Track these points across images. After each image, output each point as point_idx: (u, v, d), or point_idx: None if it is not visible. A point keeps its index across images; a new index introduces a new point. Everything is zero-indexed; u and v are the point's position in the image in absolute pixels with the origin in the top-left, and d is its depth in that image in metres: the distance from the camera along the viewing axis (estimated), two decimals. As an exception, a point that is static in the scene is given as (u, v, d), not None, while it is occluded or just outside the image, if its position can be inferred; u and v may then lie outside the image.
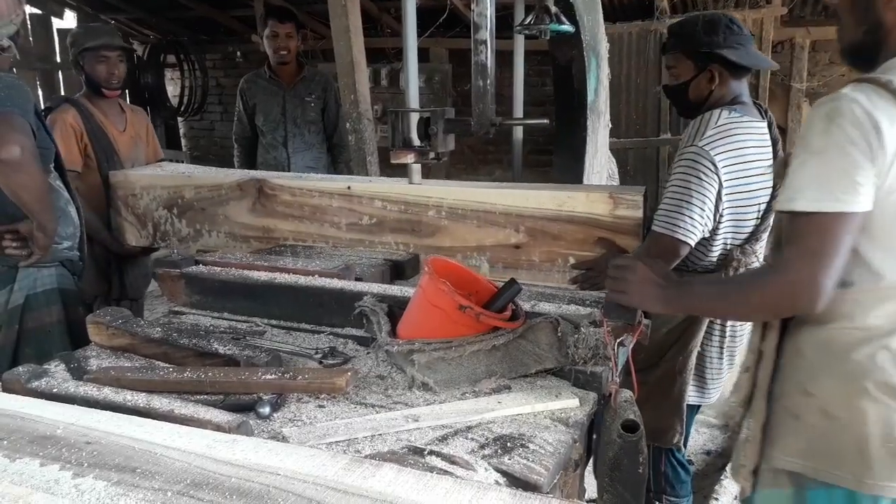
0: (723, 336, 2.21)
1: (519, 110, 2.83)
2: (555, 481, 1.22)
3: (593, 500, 1.61)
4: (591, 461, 1.55)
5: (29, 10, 7.06)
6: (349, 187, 2.44)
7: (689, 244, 2.02)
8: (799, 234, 1.29)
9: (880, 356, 1.31)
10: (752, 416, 1.46)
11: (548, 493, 1.15)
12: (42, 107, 2.64)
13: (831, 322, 1.36)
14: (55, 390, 1.33)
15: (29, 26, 7.21)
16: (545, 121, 2.43)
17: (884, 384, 1.31)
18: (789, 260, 1.30)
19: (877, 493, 1.33)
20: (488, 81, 2.16)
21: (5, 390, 1.36)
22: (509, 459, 1.18)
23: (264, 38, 3.87)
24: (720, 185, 2.02)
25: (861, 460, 1.33)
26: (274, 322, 1.83)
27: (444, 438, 1.25)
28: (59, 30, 7.62)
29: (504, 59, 2.88)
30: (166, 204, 2.77)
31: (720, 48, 2.12)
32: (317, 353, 1.63)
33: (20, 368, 1.41)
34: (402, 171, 2.42)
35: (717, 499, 2.51)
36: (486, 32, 2.11)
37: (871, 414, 1.32)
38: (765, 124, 2.19)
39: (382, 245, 2.42)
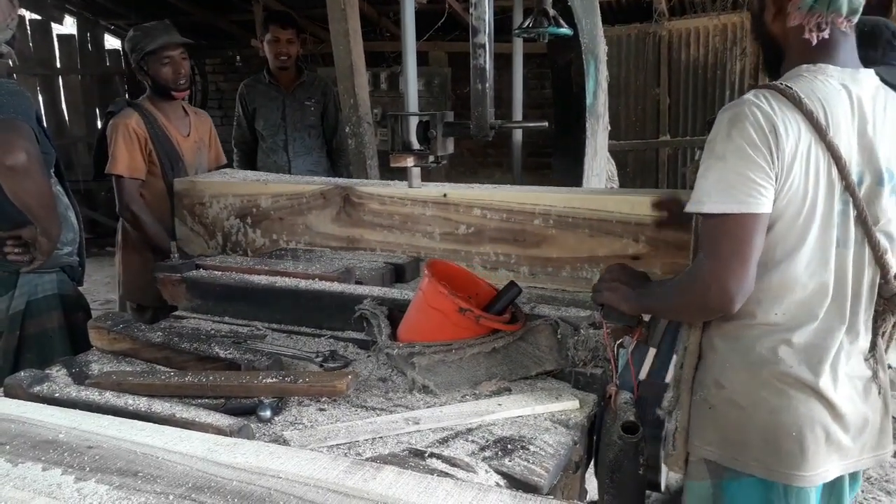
0: None
1: (518, 113, 2.84)
2: (555, 483, 1.22)
3: (594, 502, 1.62)
4: (591, 463, 1.55)
5: (28, 15, 7.07)
6: (445, 195, 2.31)
7: None
8: (708, 238, 1.35)
9: (781, 350, 1.38)
10: (680, 407, 1.52)
11: (548, 494, 1.15)
12: (38, 114, 2.50)
13: (739, 318, 1.41)
14: (57, 395, 1.33)
15: (29, 32, 7.23)
16: (544, 123, 2.42)
17: (785, 375, 1.38)
18: (699, 263, 1.37)
19: (784, 481, 1.38)
20: (487, 85, 2.16)
21: (7, 395, 1.36)
22: (510, 461, 1.18)
23: (265, 43, 3.88)
24: None
25: (767, 448, 1.39)
26: (275, 326, 1.84)
27: (444, 441, 1.25)
28: (58, 35, 7.65)
29: (503, 62, 2.89)
30: (239, 213, 2.61)
31: (876, 65, 1.69)
32: (317, 356, 1.63)
33: (22, 373, 1.42)
34: (401, 174, 2.43)
35: (718, 500, 2.50)
36: (485, 36, 2.11)
37: (773, 403, 1.38)
38: None
39: (480, 256, 2.28)
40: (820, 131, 1.32)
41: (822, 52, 1.39)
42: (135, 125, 2.70)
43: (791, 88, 1.33)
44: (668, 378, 1.62)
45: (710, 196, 1.33)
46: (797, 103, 1.32)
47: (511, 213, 2.23)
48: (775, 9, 1.41)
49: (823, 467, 1.39)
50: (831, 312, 1.39)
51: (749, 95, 1.36)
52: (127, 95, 8.10)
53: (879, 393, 1.44)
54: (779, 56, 1.46)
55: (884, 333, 1.45)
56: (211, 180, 2.75)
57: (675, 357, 1.58)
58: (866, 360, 1.43)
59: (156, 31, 2.81)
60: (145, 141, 2.72)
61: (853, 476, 1.51)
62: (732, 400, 1.43)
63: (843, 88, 1.36)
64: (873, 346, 1.43)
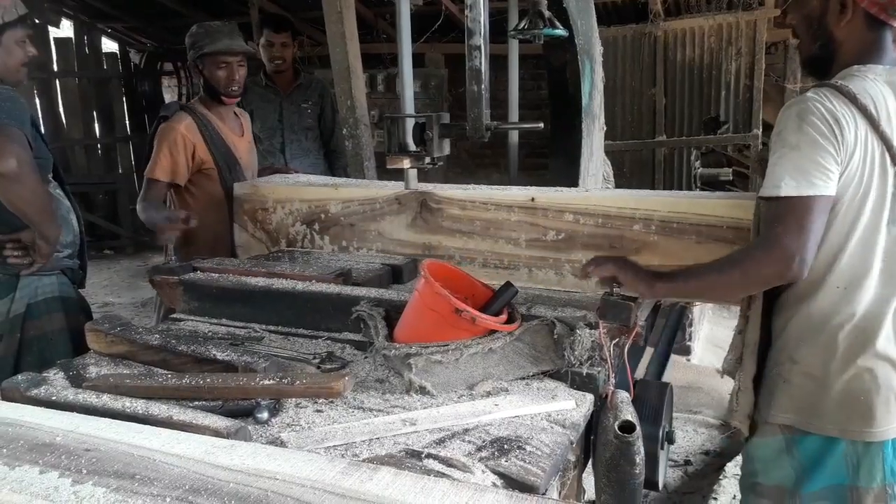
0: None
1: (514, 114, 2.84)
2: (552, 483, 1.23)
3: (591, 502, 1.62)
4: (588, 462, 1.56)
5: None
6: (533, 199, 2.18)
7: None
8: (783, 216, 1.52)
9: (846, 326, 1.58)
10: (743, 370, 1.74)
11: (544, 494, 1.16)
12: (33, 119, 2.44)
13: (807, 300, 1.62)
14: (54, 398, 1.33)
15: (29, 39, 7.22)
16: (540, 124, 2.43)
17: (852, 346, 1.58)
18: (777, 236, 1.52)
19: (856, 437, 1.60)
20: (483, 86, 2.17)
21: (5, 398, 1.36)
22: (506, 461, 1.18)
23: (260, 47, 3.88)
24: None
25: (841, 413, 1.60)
26: (272, 328, 1.84)
27: (441, 441, 1.25)
28: (55, 38, 7.64)
29: (499, 63, 2.90)
30: (306, 219, 2.50)
31: None
32: (314, 357, 1.64)
33: (19, 377, 1.42)
34: (398, 175, 2.43)
35: (715, 499, 2.51)
36: (480, 38, 2.12)
37: (844, 373, 1.58)
38: None
39: (571, 263, 2.15)
40: (873, 123, 1.51)
41: (872, 53, 1.58)
42: (184, 130, 2.61)
43: (847, 86, 1.53)
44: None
45: (785, 181, 1.51)
46: (852, 99, 1.51)
47: (607, 217, 2.10)
48: (839, 6, 1.57)
49: (892, 424, 1.58)
50: (883, 284, 1.57)
51: (810, 93, 1.55)
52: (124, 99, 8.13)
53: None
54: (830, 58, 1.63)
55: None
56: (275, 184, 2.62)
57: (735, 324, 1.79)
58: None
59: (219, 33, 2.70)
60: (194, 147, 2.63)
61: None
62: (806, 372, 1.63)
63: (889, 85, 1.55)
64: None
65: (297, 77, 3.92)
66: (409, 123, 2.22)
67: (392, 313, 1.67)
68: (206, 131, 2.66)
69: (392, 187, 2.43)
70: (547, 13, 2.44)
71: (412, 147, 2.23)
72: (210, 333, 1.82)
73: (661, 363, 2.91)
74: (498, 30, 2.67)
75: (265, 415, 1.33)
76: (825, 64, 1.65)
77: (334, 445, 1.24)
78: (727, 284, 1.65)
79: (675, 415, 2.22)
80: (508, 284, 1.59)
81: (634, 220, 2.07)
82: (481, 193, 2.29)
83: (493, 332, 1.52)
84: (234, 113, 2.87)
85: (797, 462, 1.68)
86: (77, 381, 1.51)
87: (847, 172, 1.52)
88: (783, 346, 1.68)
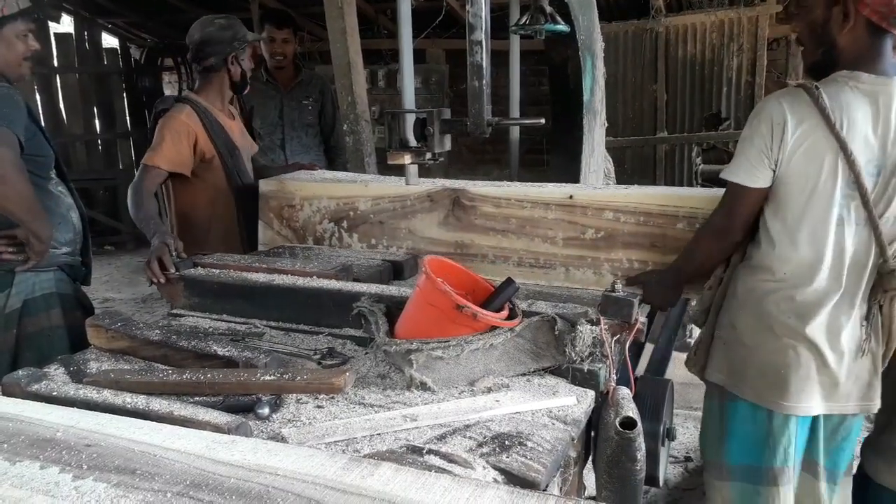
0: None
1: (515, 110, 2.84)
2: (553, 479, 1.23)
3: (593, 497, 1.62)
4: (589, 458, 1.56)
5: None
6: (571, 196, 2.14)
7: None
8: (723, 196, 1.84)
9: (783, 304, 1.74)
10: (706, 326, 1.95)
11: (545, 490, 1.16)
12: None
13: (756, 274, 1.80)
14: (55, 393, 1.33)
15: (31, 34, 7.21)
16: (541, 120, 2.42)
17: (783, 324, 1.74)
18: (714, 213, 1.86)
19: (770, 406, 1.78)
20: (484, 82, 2.16)
21: (5, 394, 1.36)
22: (507, 457, 1.18)
23: (261, 43, 3.87)
24: None
25: (761, 381, 1.78)
26: (272, 323, 1.84)
27: (442, 437, 1.25)
28: (55, 34, 7.63)
29: (500, 59, 2.89)
30: (334, 216, 2.45)
31: None
32: (315, 353, 1.64)
33: (20, 372, 1.42)
34: (399, 171, 2.42)
35: (716, 495, 2.51)
36: (482, 33, 2.11)
37: (770, 345, 1.76)
38: None
39: (610, 263, 2.12)
40: (829, 125, 1.62)
41: (868, 60, 1.66)
42: (186, 119, 2.59)
43: (818, 88, 1.65)
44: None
45: (729, 167, 1.77)
46: (815, 99, 1.63)
47: (649, 216, 2.06)
48: (842, 15, 1.66)
49: (806, 403, 1.74)
50: (828, 278, 1.71)
51: (777, 93, 1.73)
52: (124, 95, 8.11)
53: (865, 354, 1.73)
54: (833, 63, 1.71)
55: (881, 305, 1.72)
56: (303, 181, 2.57)
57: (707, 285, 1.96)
58: (862, 325, 1.72)
59: (243, 26, 2.74)
60: (196, 137, 2.61)
61: (843, 419, 1.82)
62: (740, 340, 1.82)
63: (870, 95, 1.63)
64: (868, 313, 1.72)
65: (298, 73, 3.91)
66: (410, 119, 2.22)
67: (393, 309, 1.67)
68: (206, 120, 2.65)
69: (425, 184, 2.37)
70: (548, 9, 2.44)
71: (413, 143, 2.23)
72: (211, 329, 1.82)
73: (662, 360, 2.91)
74: (499, 25, 2.66)
75: (266, 410, 1.33)
76: (828, 69, 1.72)
77: (335, 441, 1.24)
78: (696, 261, 1.92)
79: (675, 411, 2.22)
80: (510, 280, 1.59)
81: (678, 218, 2.04)
82: (517, 190, 2.23)
83: (494, 328, 1.52)
84: (227, 106, 2.85)
85: (723, 431, 1.88)
86: (78, 376, 1.51)
87: (785, 169, 1.69)
88: (727, 311, 1.87)
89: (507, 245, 2.23)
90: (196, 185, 2.68)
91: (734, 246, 1.84)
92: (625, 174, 5.81)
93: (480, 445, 1.22)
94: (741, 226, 1.80)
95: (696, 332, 2.36)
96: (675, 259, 1.99)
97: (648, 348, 2.96)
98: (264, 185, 2.59)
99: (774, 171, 1.71)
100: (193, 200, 2.66)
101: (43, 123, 2.46)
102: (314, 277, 1.92)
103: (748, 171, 1.73)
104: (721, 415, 1.90)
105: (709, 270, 1.93)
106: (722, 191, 1.87)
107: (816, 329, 1.71)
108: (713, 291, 1.93)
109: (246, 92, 2.80)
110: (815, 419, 1.80)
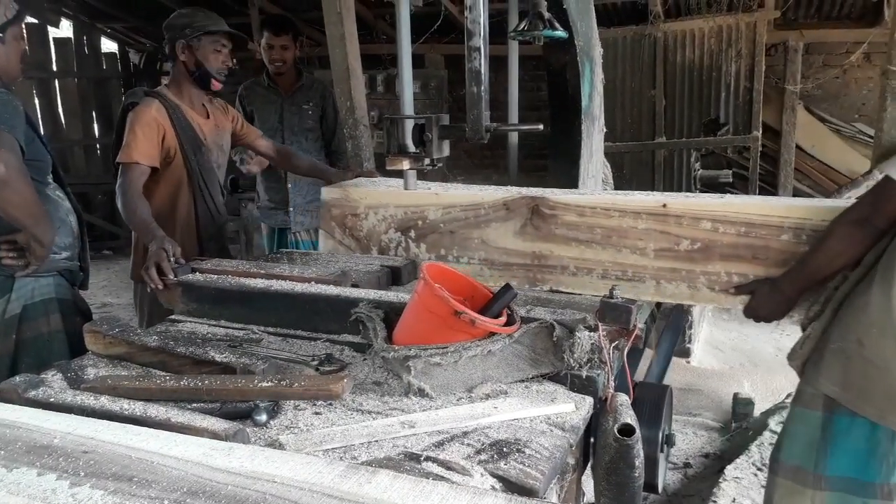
0: None
1: (514, 115, 2.84)
2: (551, 486, 1.22)
3: (591, 504, 1.62)
4: (588, 465, 1.55)
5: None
6: (665, 205, 2.03)
7: None
8: (875, 188, 1.74)
9: None
10: (820, 322, 1.80)
11: (544, 497, 1.16)
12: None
13: (893, 297, 1.66)
14: (52, 400, 1.33)
15: (25, 35, 7.22)
16: (539, 126, 2.42)
17: None
18: (858, 203, 1.77)
19: (893, 427, 1.67)
20: (482, 87, 2.16)
21: (2, 400, 1.35)
22: (505, 464, 1.18)
23: (261, 48, 3.88)
24: None
25: (888, 402, 1.66)
26: (270, 329, 1.83)
27: (440, 444, 1.25)
28: (54, 38, 7.65)
29: (499, 64, 2.90)
30: (401, 226, 2.37)
31: None
32: (313, 359, 1.63)
33: (17, 378, 1.41)
34: (397, 177, 2.42)
35: (715, 501, 2.51)
36: (480, 39, 2.11)
37: None
38: None
39: (707, 276, 2.02)
40: None
41: None
42: (155, 113, 2.57)
43: None
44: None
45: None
46: None
47: (751, 226, 1.96)
48: None
49: None
50: None
51: None
52: (123, 99, 8.12)
53: None
54: None
55: None
56: (368, 189, 2.49)
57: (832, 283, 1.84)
58: None
59: (214, 17, 2.67)
60: (164, 132, 2.58)
61: None
62: (869, 359, 1.69)
63: None
64: None
65: (300, 78, 3.91)
66: (409, 124, 2.22)
67: (391, 315, 1.67)
68: (174, 116, 2.62)
69: (500, 192, 2.30)
70: (547, 14, 2.44)
71: (412, 148, 2.23)
72: (208, 335, 1.81)
73: (660, 365, 2.91)
74: (498, 31, 2.66)
75: (263, 417, 1.33)
76: None
77: (333, 448, 1.23)
78: (824, 247, 1.81)
79: (674, 417, 2.22)
80: (508, 287, 1.59)
81: (783, 229, 1.93)
82: (603, 198, 2.15)
83: (492, 334, 1.52)
84: (203, 104, 2.80)
85: (826, 443, 1.75)
86: (75, 382, 1.50)
87: None
88: (855, 325, 1.71)
89: (590, 256, 2.13)
90: (157, 180, 2.64)
91: (874, 236, 1.72)
92: (623, 179, 5.82)
93: (478, 452, 1.22)
94: (885, 217, 1.70)
95: (698, 339, 2.31)
96: (795, 263, 1.86)
97: (647, 354, 2.95)
98: (327, 193, 2.51)
99: None
100: (151, 195, 2.60)
101: (42, 128, 2.46)
102: (312, 283, 1.92)
103: None
104: (825, 426, 1.78)
105: (839, 267, 1.82)
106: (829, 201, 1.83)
107: None
108: (837, 286, 1.82)
109: (218, 89, 2.72)
110: None
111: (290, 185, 3.84)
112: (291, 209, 3.86)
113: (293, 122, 3.85)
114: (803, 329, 1.88)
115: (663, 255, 2.05)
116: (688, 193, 2.23)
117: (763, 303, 1.93)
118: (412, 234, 2.37)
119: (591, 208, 2.11)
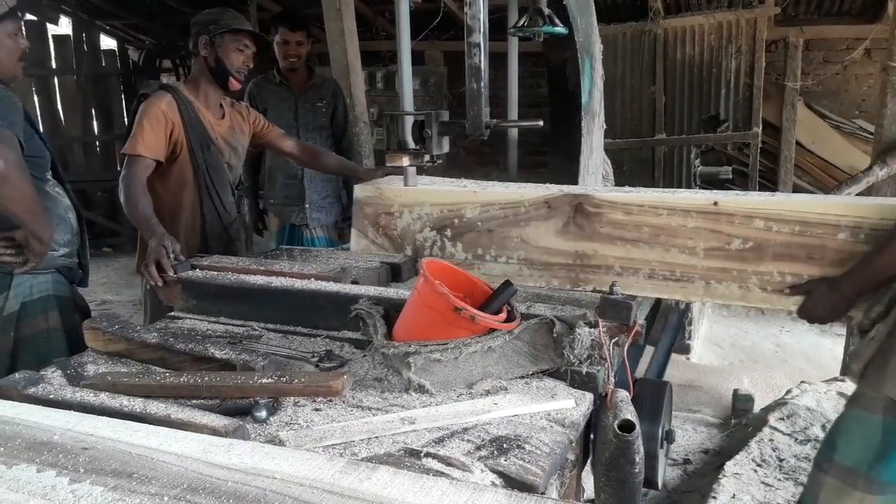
0: None
1: (514, 112, 2.85)
2: (551, 482, 1.22)
3: (591, 500, 1.62)
4: (588, 461, 1.55)
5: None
6: (716, 203, 1.98)
7: None
8: None
9: None
10: (885, 323, 1.73)
11: (544, 493, 1.16)
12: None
13: None
14: (52, 396, 1.33)
15: (24, 32, 7.21)
16: (539, 122, 2.43)
17: None
18: None
19: None
20: (482, 84, 2.16)
21: (2, 397, 1.35)
22: (506, 460, 1.18)
23: (274, 44, 3.84)
24: None
25: None
26: (270, 326, 1.83)
27: (440, 440, 1.25)
28: (53, 36, 7.64)
29: (498, 61, 2.90)
30: (436, 224, 2.31)
31: None
32: (313, 356, 1.63)
33: (17, 375, 1.42)
34: (398, 173, 2.42)
35: (715, 497, 2.51)
36: (480, 35, 2.12)
37: None
38: None
39: (759, 276, 1.96)
40: None
41: None
42: (165, 107, 2.55)
43: None
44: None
45: None
46: None
47: (806, 225, 1.90)
48: None
49: None
50: None
51: None
52: (122, 96, 8.11)
53: None
54: None
55: None
56: (402, 187, 2.42)
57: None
58: None
59: (238, 18, 2.67)
60: (173, 126, 2.57)
61: None
62: None
63: None
64: None
65: (311, 75, 3.88)
66: (409, 121, 2.22)
67: (391, 311, 1.66)
68: (185, 111, 2.60)
69: (541, 190, 2.24)
70: (546, 11, 2.44)
71: (411, 145, 2.23)
72: (208, 332, 1.81)
73: (660, 362, 2.91)
74: (497, 27, 2.66)
75: (263, 413, 1.33)
76: None
77: (333, 444, 1.23)
78: (892, 244, 1.72)
79: (674, 413, 2.22)
80: (508, 283, 1.59)
81: (839, 228, 1.87)
82: (651, 196, 2.10)
83: (492, 330, 1.52)
84: (220, 104, 2.79)
85: (887, 447, 1.71)
86: (75, 379, 1.50)
87: None
88: None
89: (637, 256, 2.07)
90: (162, 175, 2.63)
91: None
92: (623, 176, 5.81)
93: (478, 448, 1.22)
94: None
95: (698, 335, 2.30)
96: (857, 263, 1.80)
97: (647, 350, 2.96)
98: (360, 191, 2.45)
99: None
100: (156, 189, 2.60)
101: (41, 125, 2.46)
102: (312, 280, 1.92)
103: None
104: (885, 430, 1.74)
105: None
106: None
107: None
108: None
109: (236, 89, 2.72)
110: None
111: (305, 182, 3.82)
112: (307, 205, 3.84)
113: (307, 119, 3.81)
114: (863, 331, 1.81)
115: (713, 254, 2.00)
116: (738, 192, 2.12)
117: (820, 303, 1.87)
118: (448, 232, 2.31)
119: (639, 206, 2.05)
